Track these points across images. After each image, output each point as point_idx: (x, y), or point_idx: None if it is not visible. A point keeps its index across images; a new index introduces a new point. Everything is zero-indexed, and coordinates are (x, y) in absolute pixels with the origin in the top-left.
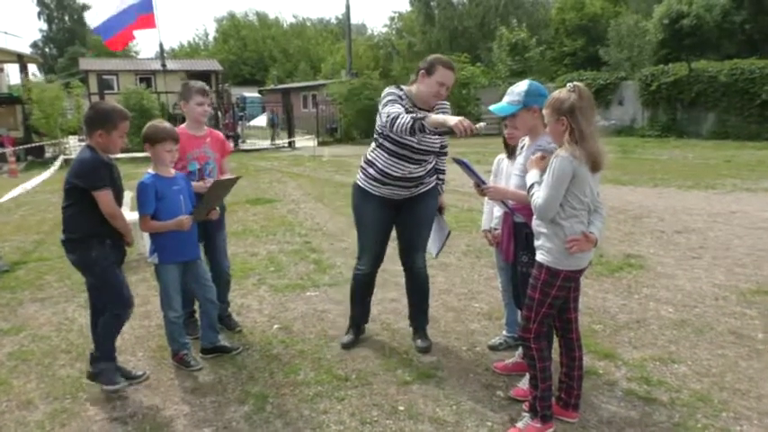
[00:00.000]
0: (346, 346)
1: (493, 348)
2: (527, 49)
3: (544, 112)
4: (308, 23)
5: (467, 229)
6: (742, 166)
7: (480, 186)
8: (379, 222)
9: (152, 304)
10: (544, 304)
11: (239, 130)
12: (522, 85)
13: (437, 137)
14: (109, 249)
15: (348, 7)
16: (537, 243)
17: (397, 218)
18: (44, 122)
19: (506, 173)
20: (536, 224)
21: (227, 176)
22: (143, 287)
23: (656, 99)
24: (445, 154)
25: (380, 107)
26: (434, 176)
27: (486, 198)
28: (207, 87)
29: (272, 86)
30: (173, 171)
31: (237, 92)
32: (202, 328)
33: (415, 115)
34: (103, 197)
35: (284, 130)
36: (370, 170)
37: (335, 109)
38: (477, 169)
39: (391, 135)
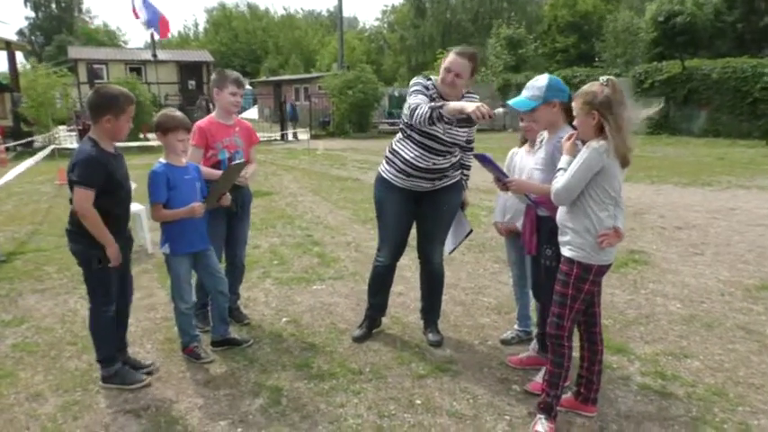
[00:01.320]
0: (358, 340)
1: (505, 342)
2: (522, 44)
3: (574, 104)
4: (299, 16)
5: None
6: (735, 164)
7: (502, 180)
8: (401, 214)
9: (156, 296)
10: (577, 300)
11: None
12: (542, 80)
13: (463, 129)
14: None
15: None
16: (564, 239)
17: (419, 210)
18: (34, 111)
19: (519, 167)
20: (563, 219)
21: (235, 162)
22: (145, 279)
23: (649, 96)
24: (471, 149)
25: (408, 97)
26: (459, 171)
27: (499, 191)
28: (243, 79)
29: (263, 78)
30: (184, 160)
31: None
32: (213, 320)
33: (433, 104)
34: (80, 194)
35: (276, 122)
36: (396, 160)
37: (328, 102)
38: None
39: (416, 125)
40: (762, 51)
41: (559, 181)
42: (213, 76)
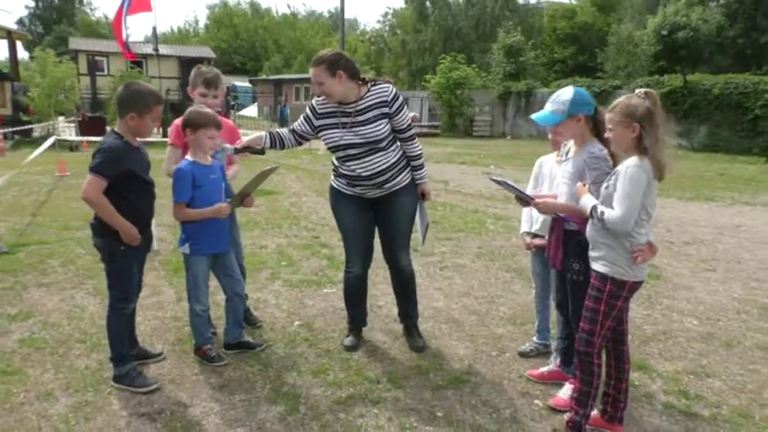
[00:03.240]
0: (350, 348)
1: (523, 355)
2: (521, 52)
3: (609, 116)
4: (300, 16)
5: (475, 230)
6: (737, 180)
7: (526, 201)
8: (359, 222)
9: (164, 294)
10: (609, 317)
11: (231, 119)
12: (566, 94)
13: (370, 124)
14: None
15: (342, 0)
16: (596, 254)
17: (376, 218)
18: (42, 101)
19: (550, 176)
20: (595, 235)
21: (270, 167)
22: (152, 276)
23: None
24: (411, 138)
25: None
26: (407, 171)
27: None
28: (215, 78)
29: (263, 77)
30: (210, 159)
31: (227, 81)
32: (227, 322)
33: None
34: (91, 181)
35: (275, 121)
36: (336, 171)
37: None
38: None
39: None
40: (762, 68)
41: (615, 212)
42: (191, 73)
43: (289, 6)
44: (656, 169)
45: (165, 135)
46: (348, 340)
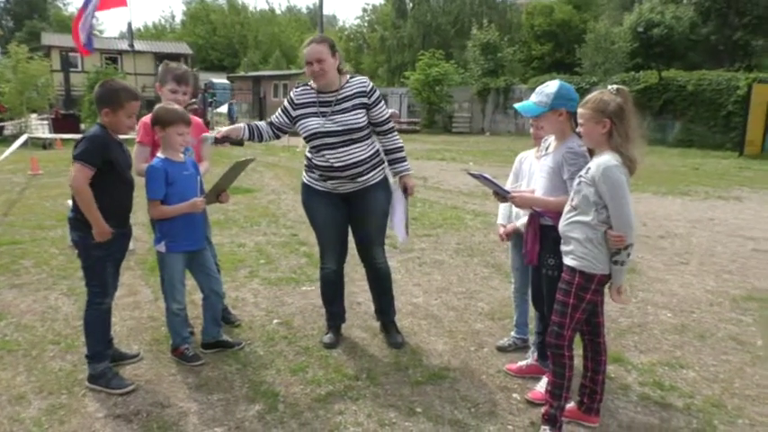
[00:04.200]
0: (331, 346)
1: (501, 349)
2: (498, 48)
3: (581, 111)
4: (278, 12)
5: (454, 226)
6: (710, 175)
7: (503, 196)
8: (331, 219)
9: (141, 294)
10: (579, 309)
11: (209, 116)
12: (551, 87)
13: (350, 113)
14: (112, 239)
15: None
16: (567, 248)
17: (350, 215)
18: (12, 98)
19: (529, 172)
20: (565, 230)
21: (244, 158)
22: (128, 276)
23: None
24: (390, 131)
25: None
26: (381, 168)
27: None
28: (185, 75)
29: (242, 73)
30: (182, 156)
31: (205, 77)
32: (205, 321)
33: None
34: (78, 169)
35: (254, 118)
36: (309, 166)
37: None
38: (494, 179)
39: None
40: (734, 64)
41: (619, 221)
42: (159, 69)
43: (267, 2)
44: (627, 164)
45: None
46: (327, 337)
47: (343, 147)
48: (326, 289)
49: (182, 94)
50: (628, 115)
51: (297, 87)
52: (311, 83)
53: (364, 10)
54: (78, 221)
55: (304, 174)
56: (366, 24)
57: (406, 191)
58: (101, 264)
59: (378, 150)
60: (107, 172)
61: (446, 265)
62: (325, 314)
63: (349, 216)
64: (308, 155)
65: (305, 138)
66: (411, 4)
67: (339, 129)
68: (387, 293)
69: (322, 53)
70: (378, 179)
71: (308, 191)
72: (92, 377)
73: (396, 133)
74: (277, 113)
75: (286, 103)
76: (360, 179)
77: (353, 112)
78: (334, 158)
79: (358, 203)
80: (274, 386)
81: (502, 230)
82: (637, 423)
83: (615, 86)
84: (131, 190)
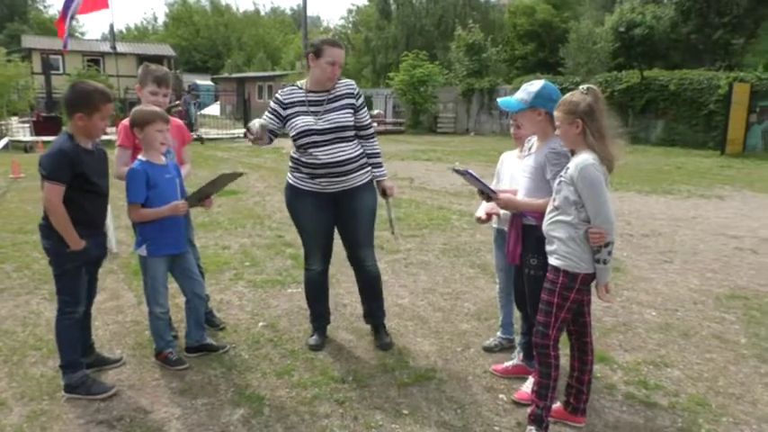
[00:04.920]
0: (315, 348)
1: (488, 350)
2: (483, 49)
3: (556, 114)
4: (263, 13)
5: (440, 227)
6: (693, 173)
7: (489, 195)
8: (317, 219)
9: (123, 298)
10: (563, 308)
11: (193, 118)
12: (535, 85)
13: (340, 112)
14: (85, 246)
15: None
16: (550, 248)
17: (337, 217)
18: None
19: (510, 173)
20: (548, 229)
21: (233, 171)
22: (111, 280)
23: (608, 105)
24: (371, 136)
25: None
26: (367, 169)
27: None
28: (165, 77)
29: (226, 75)
30: (164, 158)
31: (189, 79)
32: (189, 325)
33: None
34: (49, 189)
35: (239, 119)
36: (298, 164)
37: None
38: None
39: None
40: (715, 64)
41: (598, 220)
42: (139, 71)
43: (254, 3)
44: (604, 162)
45: None
46: (313, 339)
47: (331, 144)
48: (311, 290)
49: (162, 96)
50: (599, 114)
51: (283, 89)
52: (300, 83)
53: (349, 11)
54: (49, 229)
55: (289, 175)
56: (350, 25)
57: (385, 194)
58: (74, 272)
59: (363, 153)
60: (78, 184)
61: (432, 266)
62: (310, 315)
63: (336, 218)
64: (295, 155)
65: (294, 136)
66: (395, 6)
67: (330, 126)
68: (377, 297)
69: (342, 58)
70: (365, 180)
71: (293, 192)
72: (69, 387)
73: (376, 138)
74: (266, 117)
75: (274, 105)
76: (348, 176)
77: (343, 111)
78: (324, 155)
79: (346, 204)
80: (260, 390)
81: (482, 215)
82: (622, 422)
83: (586, 86)
84: (105, 199)
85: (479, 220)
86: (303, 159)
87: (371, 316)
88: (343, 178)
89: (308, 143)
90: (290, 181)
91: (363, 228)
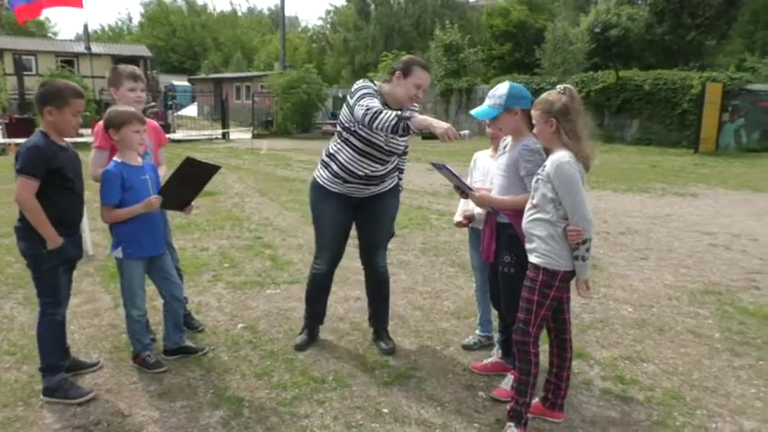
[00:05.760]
0: (301, 348)
1: (467, 348)
2: (461, 49)
3: (533, 113)
4: (239, 13)
5: (420, 226)
6: (667, 172)
7: (465, 192)
8: (338, 221)
9: (100, 301)
10: (543, 306)
11: (169, 119)
12: (502, 88)
13: (403, 139)
14: (62, 246)
15: None
16: (530, 246)
17: (357, 216)
18: None
19: (483, 170)
20: (529, 227)
21: (203, 160)
22: (87, 282)
23: (584, 105)
24: (406, 154)
25: (352, 100)
26: (394, 175)
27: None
28: (138, 71)
29: (203, 76)
30: (140, 160)
31: (165, 80)
32: (167, 327)
33: (400, 113)
34: (21, 183)
35: (217, 120)
36: (333, 165)
37: (271, 101)
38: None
39: (359, 131)
40: (689, 64)
41: (575, 218)
42: (108, 75)
43: (231, 3)
44: (580, 161)
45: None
46: (299, 339)
47: (383, 164)
48: (313, 288)
49: (140, 91)
50: (574, 114)
51: (370, 82)
52: (377, 86)
53: (327, 11)
54: (26, 231)
55: (319, 171)
56: (329, 26)
57: None
58: (53, 273)
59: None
60: (54, 181)
61: (412, 265)
62: (305, 313)
63: (357, 219)
64: (334, 151)
65: (362, 139)
66: (373, 6)
67: (393, 151)
68: (385, 300)
69: (429, 83)
70: (391, 185)
71: (320, 190)
72: (47, 390)
73: (407, 156)
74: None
75: (374, 92)
76: (375, 188)
77: (404, 139)
78: (368, 168)
79: (369, 206)
80: (239, 391)
81: (460, 219)
82: (599, 417)
83: (563, 86)
84: (81, 196)
85: (459, 224)
86: (350, 166)
87: (377, 319)
88: (373, 188)
89: (366, 153)
90: (320, 181)
91: (382, 231)
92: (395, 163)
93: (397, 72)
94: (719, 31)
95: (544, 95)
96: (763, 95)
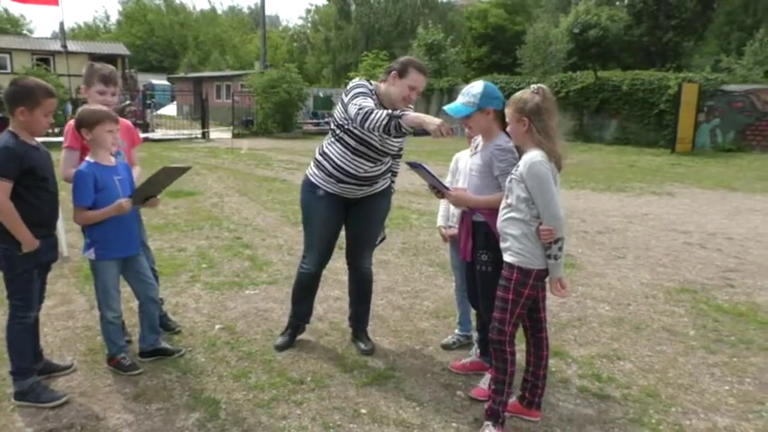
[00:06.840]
0: (281, 348)
1: (446, 347)
2: (442, 49)
3: (506, 111)
4: (220, 11)
5: (400, 226)
6: (645, 171)
7: (440, 191)
8: (329, 221)
9: (75, 303)
10: (518, 304)
11: (148, 118)
12: (477, 87)
13: (398, 139)
14: (37, 248)
15: None
16: (504, 245)
17: (348, 216)
18: None
19: (464, 171)
20: (503, 226)
21: (177, 165)
22: (61, 284)
23: (564, 105)
24: (400, 156)
25: (346, 98)
26: (387, 176)
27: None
28: (113, 75)
29: (182, 74)
30: (113, 159)
31: (144, 79)
32: (142, 329)
33: (391, 112)
34: None
35: (196, 119)
36: (326, 165)
37: (252, 101)
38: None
39: (353, 130)
40: (665, 65)
41: (547, 217)
42: (83, 71)
43: (210, 2)
44: (552, 160)
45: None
46: (280, 340)
47: (376, 164)
48: (300, 288)
49: (110, 95)
50: (545, 114)
51: (365, 81)
52: (372, 85)
53: (308, 11)
54: (0, 233)
55: (313, 170)
56: (310, 25)
57: None
58: (27, 275)
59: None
60: (27, 181)
61: (392, 265)
62: (291, 314)
63: (348, 218)
64: (328, 150)
65: (356, 137)
66: (354, 6)
67: (387, 152)
68: (367, 301)
69: (424, 86)
70: (384, 187)
71: (312, 189)
72: (19, 394)
73: (401, 158)
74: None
75: (368, 92)
76: (368, 188)
77: (398, 139)
78: (361, 169)
79: (361, 207)
80: (216, 393)
81: (444, 231)
82: (576, 415)
83: (537, 86)
84: (56, 196)
85: (444, 238)
86: (336, 160)
87: (357, 320)
88: (366, 189)
89: (361, 152)
90: (312, 179)
91: (371, 232)
92: (388, 164)
93: (393, 72)
94: (695, 32)
95: (518, 94)
96: (738, 96)
